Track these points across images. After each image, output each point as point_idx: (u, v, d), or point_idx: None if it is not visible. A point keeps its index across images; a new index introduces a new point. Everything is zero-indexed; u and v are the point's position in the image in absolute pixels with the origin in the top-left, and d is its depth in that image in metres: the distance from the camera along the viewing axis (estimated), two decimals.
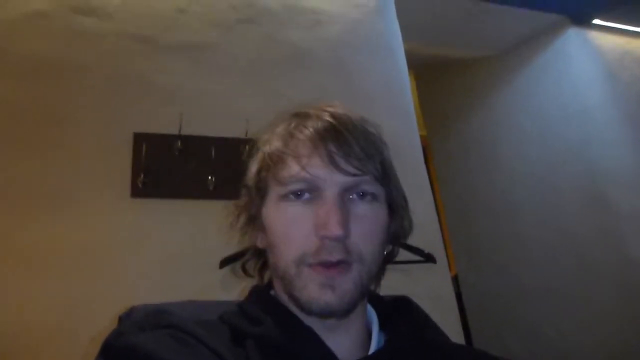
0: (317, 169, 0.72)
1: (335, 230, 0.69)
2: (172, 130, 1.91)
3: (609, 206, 2.85)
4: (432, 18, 3.04)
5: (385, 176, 0.77)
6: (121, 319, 0.83)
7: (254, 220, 0.82)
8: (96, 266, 1.70)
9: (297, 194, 0.74)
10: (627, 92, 3.12)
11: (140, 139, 1.88)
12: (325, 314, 0.71)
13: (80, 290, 1.65)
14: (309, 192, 0.73)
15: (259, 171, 0.81)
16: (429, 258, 2.00)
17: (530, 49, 3.41)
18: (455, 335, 2.01)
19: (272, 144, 0.79)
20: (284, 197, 0.75)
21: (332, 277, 0.70)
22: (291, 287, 0.73)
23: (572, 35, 3.20)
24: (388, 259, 0.86)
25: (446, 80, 3.98)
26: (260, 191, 0.80)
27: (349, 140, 0.73)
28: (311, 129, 0.75)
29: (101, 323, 1.47)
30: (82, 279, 1.67)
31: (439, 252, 2.11)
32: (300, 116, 0.79)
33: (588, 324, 2.89)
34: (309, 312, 0.72)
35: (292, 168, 0.73)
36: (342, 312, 0.71)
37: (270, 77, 2.17)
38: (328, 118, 0.76)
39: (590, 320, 2.88)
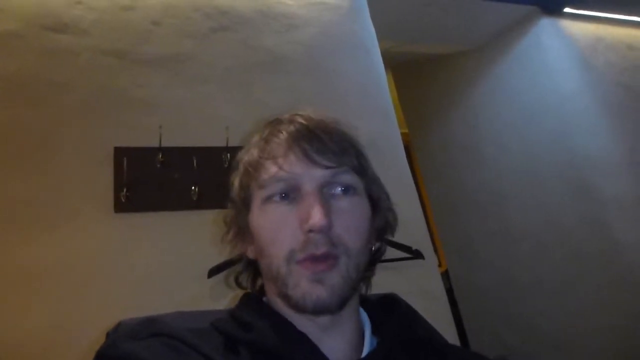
0: (294, 166, 0.74)
1: (318, 221, 0.70)
2: (153, 142, 1.90)
3: (592, 194, 2.88)
4: (406, 16, 3.06)
5: (362, 169, 0.80)
6: (108, 335, 0.82)
7: (242, 232, 0.83)
8: (83, 283, 1.69)
9: (280, 194, 0.75)
10: (602, 78, 3.15)
11: (120, 153, 1.87)
12: (318, 309, 0.71)
13: (69, 307, 1.64)
14: (290, 192, 0.75)
15: (240, 182, 0.82)
16: (416, 255, 2.01)
17: (505, 41, 3.44)
18: (447, 330, 2.02)
19: (249, 153, 0.82)
20: (267, 200, 0.76)
21: (320, 271, 0.71)
22: (284, 287, 0.73)
23: (545, 25, 3.23)
24: (376, 257, 0.86)
25: (424, 77, 4.00)
26: (245, 201, 0.81)
27: (322, 138, 0.75)
28: (284, 132, 0.77)
29: (91, 339, 1.47)
30: (70, 297, 1.66)
31: (426, 248, 2.12)
32: (274, 123, 0.82)
33: (579, 312, 2.91)
34: (303, 309, 0.72)
35: (270, 169, 0.76)
36: (335, 307, 0.72)
37: (247, 84, 2.18)
38: (300, 120, 0.78)
39: (582, 309, 2.90)
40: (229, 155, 1.94)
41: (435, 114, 3.94)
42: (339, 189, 0.76)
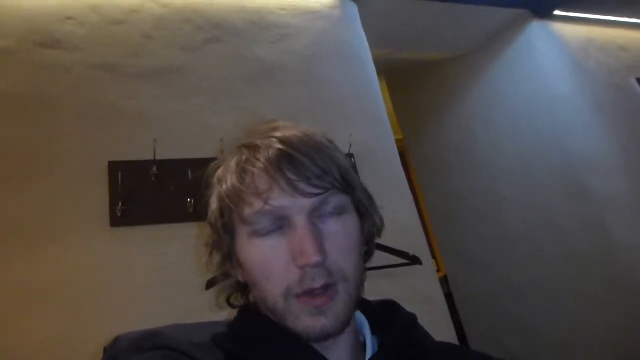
0: (280, 199, 0.70)
1: (313, 257, 0.67)
2: (147, 155, 1.90)
3: (587, 194, 2.88)
4: (398, 24, 3.07)
5: (348, 184, 0.75)
6: (106, 350, 0.82)
7: (229, 258, 0.80)
8: (81, 298, 1.68)
9: (268, 227, 0.72)
10: (594, 80, 3.17)
11: (115, 167, 1.86)
12: (323, 337, 0.70)
13: (68, 323, 1.63)
14: (277, 222, 0.72)
15: (221, 211, 0.78)
16: (414, 260, 2.00)
17: (497, 45, 3.45)
18: (447, 335, 2.02)
19: (227, 182, 0.76)
20: (254, 233, 0.73)
21: (320, 305, 0.69)
22: (284, 320, 0.71)
23: (536, 28, 3.25)
24: (366, 259, 0.84)
25: (418, 83, 4.01)
26: (228, 230, 0.78)
27: (303, 161, 0.71)
28: (263, 160, 0.72)
29: (90, 354, 1.45)
30: (69, 312, 1.64)
31: (424, 254, 2.11)
32: (250, 148, 0.76)
33: (578, 313, 2.91)
34: (307, 340, 0.70)
35: (255, 205, 0.71)
36: (340, 331, 0.71)
37: (241, 94, 2.18)
38: (277, 145, 0.73)
39: (580, 310, 2.90)
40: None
41: (429, 119, 3.95)
42: (328, 212, 0.73)
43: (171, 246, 1.83)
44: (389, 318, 0.83)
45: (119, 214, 1.80)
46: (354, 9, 2.70)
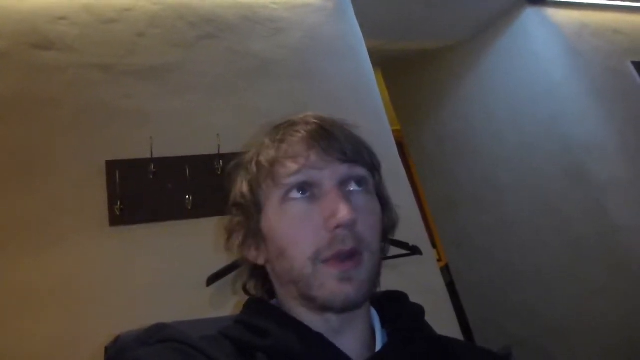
0: (315, 163, 0.74)
1: (347, 215, 0.69)
2: (144, 154, 1.90)
3: (587, 180, 2.89)
4: (392, 13, 3.06)
5: (375, 167, 0.81)
6: (107, 349, 0.82)
7: (253, 236, 0.81)
8: (82, 299, 1.68)
9: (301, 191, 0.74)
10: (589, 64, 3.16)
11: (112, 166, 1.86)
12: (346, 307, 0.71)
13: (69, 324, 1.63)
14: (310, 187, 0.74)
15: (250, 184, 0.80)
16: (414, 251, 2.00)
17: (492, 32, 3.45)
18: (450, 324, 2.02)
19: (263, 153, 0.80)
20: (286, 197, 0.75)
21: (348, 270, 0.70)
22: (307, 288, 0.72)
23: (531, 15, 3.25)
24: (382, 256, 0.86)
25: (414, 73, 4.00)
26: (256, 203, 0.79)
27: (339, 138, 0.76)
28: (303, 132, 0.77)
29: (91, 355, 1.46)
30: (70, 313, 1.64)
31: (424, 244, 2.12)
32: (287, 124, 0.81)
33: (581, 298, 2.91)
34: (330, 308, 0.71)
35: (291, 167, 0.74)
36: (360, 303, 0.72)
37: (236, 90, 2.17)
38: (315, 121, 0.79)
39: (583, 295, 2.90)
40: (221, 162, 1.93)
41: (426, 109, 3.94)
42: (355, 184, 0.76)
43: (170, 244, 1.83)
44: (397, 309, 0.84)
45: (118, 213, 1.80)
46: (347, 0, 2.69)
